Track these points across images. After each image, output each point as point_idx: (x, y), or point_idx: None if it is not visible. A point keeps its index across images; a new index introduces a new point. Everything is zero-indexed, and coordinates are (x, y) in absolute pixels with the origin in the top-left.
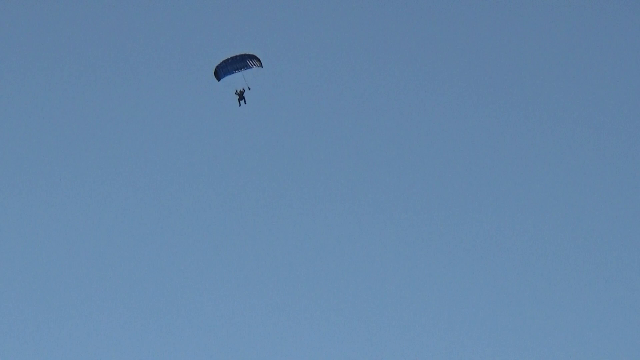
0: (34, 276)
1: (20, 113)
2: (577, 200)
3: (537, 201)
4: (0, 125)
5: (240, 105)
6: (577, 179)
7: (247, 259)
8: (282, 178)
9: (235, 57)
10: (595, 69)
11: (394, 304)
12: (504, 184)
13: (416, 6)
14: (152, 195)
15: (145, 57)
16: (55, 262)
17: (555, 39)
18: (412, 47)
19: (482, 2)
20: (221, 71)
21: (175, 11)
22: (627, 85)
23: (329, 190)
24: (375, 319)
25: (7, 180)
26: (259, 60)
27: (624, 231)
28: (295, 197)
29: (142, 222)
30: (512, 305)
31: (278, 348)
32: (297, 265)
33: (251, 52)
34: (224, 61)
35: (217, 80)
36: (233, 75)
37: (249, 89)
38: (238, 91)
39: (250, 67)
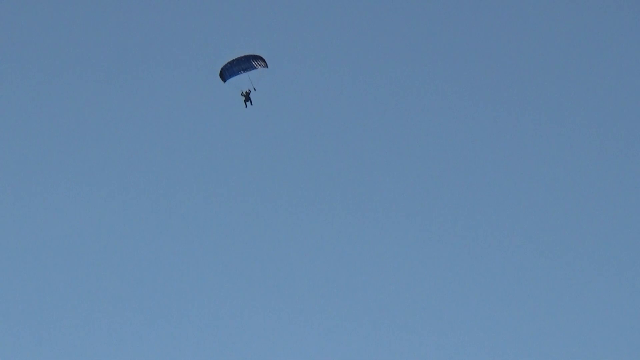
0: (35, 276)
1: (26, 113)
2: (577, 201)
3: (537, 201)
4: (0, 126)
5: (246, 106)
6: (577, 179)
7: (253, 260)
8: (288, 179)
9: (241, 58)
10: (595, 69)
11: (393, 304)
12: (504, 184)
13: (421, 7)
14: (159, 197)
15: (151, 59)
16: (56, 262)
17: (556, 39)
18: (419, 48)
19: (484, 2)
20: (227, 72)
21: (180, 13)
22: (627, 86)
23: (334, 190)
24: (375, 319)
25: (7, 180)
26: (264, 60)
27: (624, 231)
28: (300, 198)
29: (148, 223)
30: (512, 305)
31: (278, 348)
32: (302, 266)
33: (256, 53)
34: (229, 62)
35: (222, 82)
36: (239, 76)
37: (255, 89)
38: (244, 92)
39: (255, 68)
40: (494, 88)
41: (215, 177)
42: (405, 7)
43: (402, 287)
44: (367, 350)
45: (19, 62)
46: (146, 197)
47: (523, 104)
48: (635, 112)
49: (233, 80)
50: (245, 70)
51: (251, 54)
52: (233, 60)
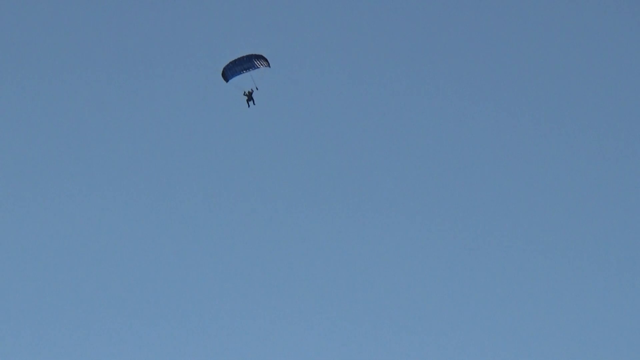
0: (35, 276)
1: (27, 114)
2: (577, 201)
3: (537, 202)
4: (0, 126)
5: (249, 106)
6: (577, 179)
7: (256, 260)
8: (291, 178)
9: (242, 57)
10: (596, 70)
11: (393, 305)
12: (504, 185)
13: (423, 7)
14: (162, 197)
15: (153, 59)
16: (57, 262)
17: (555, 39)
18: (422, 48)
19: (484, 2)
20: (229, 72)
21: (183, 13)
22: (627, 86)
23: (336, 190)
24: (375, 319)
25: (7, 181)
26: (266, 60)
27: (624, 231)
28: (303, 197)
29: (151, 223)
30: (512, 305)
31: (278, 348)
32: (305, 266)
33: (258, 52)
34: (231, 62)
35: (225, 82)
36: (241, 75)
37: (257, 89)
38: (246, 92)
39: (257, 67)
40: (495, 88)
41: (218, 177)
42: (407, 7)
43: (402, 287)
44: (367, 350)
45: (19, 62)
46: (149, 197)
47: (523, 104)
48: (636, 112)
49: (235, 80)
50: (248, 69)
51: (253, 53)
52: (235, 60)
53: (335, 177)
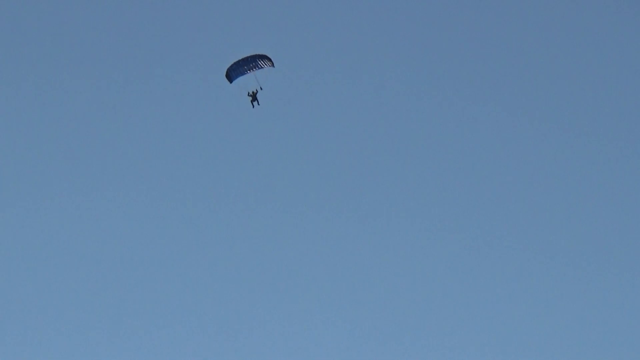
0: (36, 277)
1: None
2: (577, 201)
3: (538, 202)
4: (1, 126)
5: (253, 106)
6: (577, 180)
7: (260, 260)
8: (296, 178)
9: (246, 58)
10: (596, 70)
11: (393, 305)
12: (503, 184)
13: (429, 7)
14: (166, 197)
15: (156, 60)
16: (57, 262)
17: (555, 39)
18: (426, 48)
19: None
20: (233, 73)
21: (186, 14)
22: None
23: (341, 190)
24: (375, 320)
25: (8, 181)
26: (270, 60)
27: (624, 231)
28: (307, 197)
29: (156, 223)
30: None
31: (278, 348)
32: (310, 266)
33: (262, 52)
34: (235, 63)
35: (229, 83)
36: (245, 76)
37: (261, 89)
38: (251, 92)
39: (262, 67)
40: (496, 89)
41: (223, 178)
42: (412, 8)
43: (402, 287)
44: (368, 350)
45: (20, 63)
46: (154, 197)
47: (523, 104)
48: (636, 112)
49: (239, 80)
50: (252, 69)
51: (257, 53)
52: (239, 61)
53: (339, 177)
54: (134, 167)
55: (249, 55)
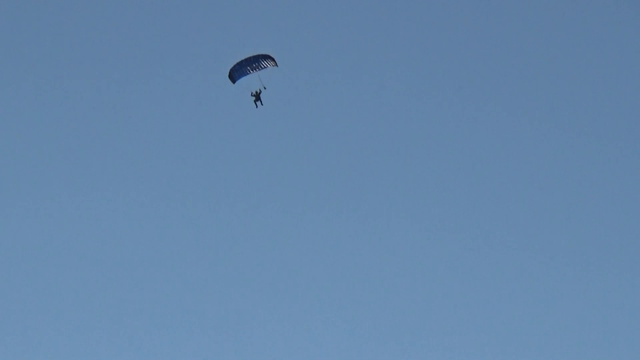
0: (36, 277)
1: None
2: (577, 201)
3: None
4: (1, 126)
5: (257, 106)
6: (577, 180)
7: (263, 260)
8: (299, 178)
9: (250, 58)
10: (596, 70)
11: (393, 305)
12: (504, 185)
13: (433, 8)
14: (169, 197)
15: (159, 61)
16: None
17: (555, 39)
18: (431, 48)
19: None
20: (236, 73)
21: (189, 14)
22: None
23: (344, 190)
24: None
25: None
26: (273, 59)
27: (623, 231)
28: (311, 197)
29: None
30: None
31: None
32: (313, 266)
33: (265, 52)
34: (238, 63)
35: (232, 83)
36: (248, 76)
37: (264, 88)
38: (254, 92)
39: (265, 67)
40: (497, 89)
41: (226, 178)
42: (416, 8)
43: (403, 287)
44: (368, 350)
45: (20, 63)
46: (157, 197)
47: (523, 104)
48: (636, 112)
49: (243, 80)
50: (255, 69)
51: (260, 53)
52: (242, 61)
53: (342, 177)
54: (136, 168)
55: (252, 55)
